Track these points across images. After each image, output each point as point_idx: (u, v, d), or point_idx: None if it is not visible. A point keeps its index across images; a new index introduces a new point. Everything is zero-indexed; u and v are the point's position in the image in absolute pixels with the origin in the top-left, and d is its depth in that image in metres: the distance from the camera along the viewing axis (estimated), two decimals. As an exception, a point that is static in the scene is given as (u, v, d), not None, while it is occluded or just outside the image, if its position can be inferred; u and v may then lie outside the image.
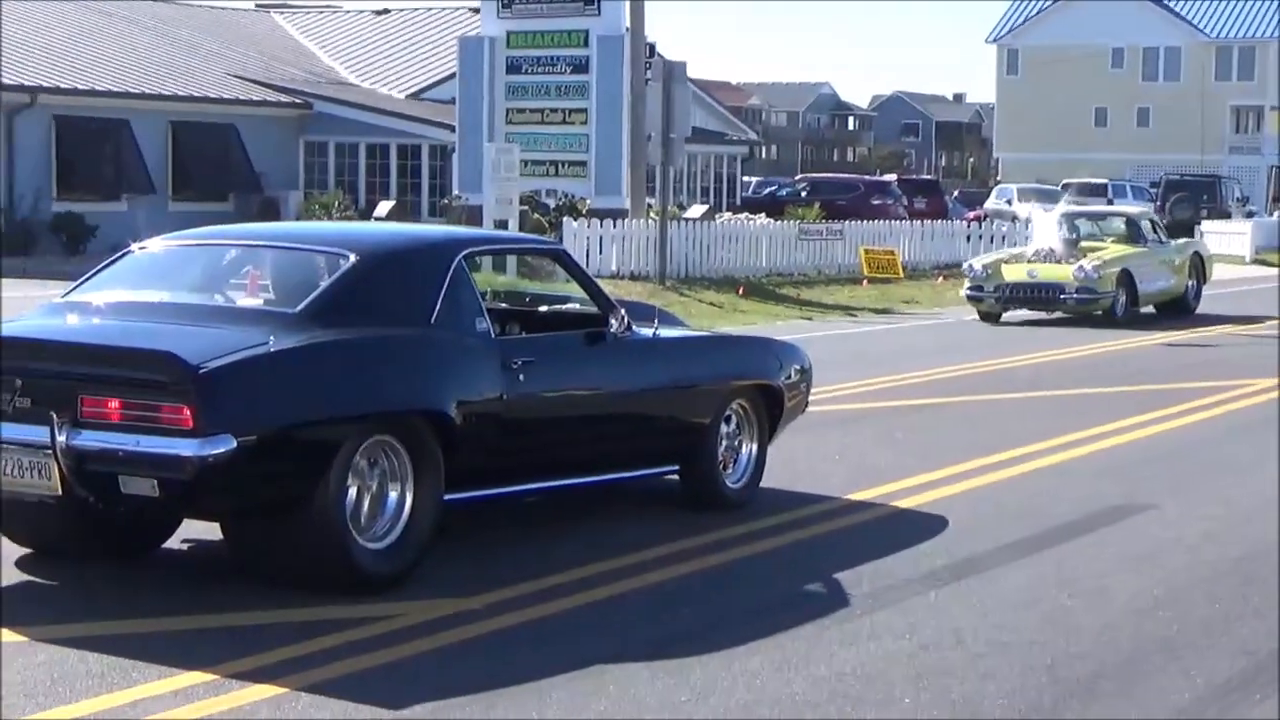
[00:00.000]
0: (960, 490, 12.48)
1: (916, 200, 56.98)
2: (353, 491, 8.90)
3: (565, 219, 33.38)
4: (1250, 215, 60.21)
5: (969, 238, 40.86)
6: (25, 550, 9.77)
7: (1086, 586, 9.60)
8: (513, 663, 7.90)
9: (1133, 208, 36.00)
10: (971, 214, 54.90)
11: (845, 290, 33.80)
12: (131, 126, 42.25)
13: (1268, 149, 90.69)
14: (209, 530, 9.78)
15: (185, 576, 9.54)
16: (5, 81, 39.95)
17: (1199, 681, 7.86)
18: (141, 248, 10.33)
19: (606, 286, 11.81)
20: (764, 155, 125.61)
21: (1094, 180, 66.92)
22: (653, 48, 38.98)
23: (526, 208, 34.15)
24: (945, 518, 11.42)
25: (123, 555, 9.71)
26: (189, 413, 8.19)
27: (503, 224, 30.51)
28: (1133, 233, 29.70)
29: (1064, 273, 27.38)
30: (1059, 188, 63.95)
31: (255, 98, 45.94)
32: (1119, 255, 28.30)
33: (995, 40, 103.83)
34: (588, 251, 31.69)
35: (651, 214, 33.78)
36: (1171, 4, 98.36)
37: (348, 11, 57.10)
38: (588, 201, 35.53)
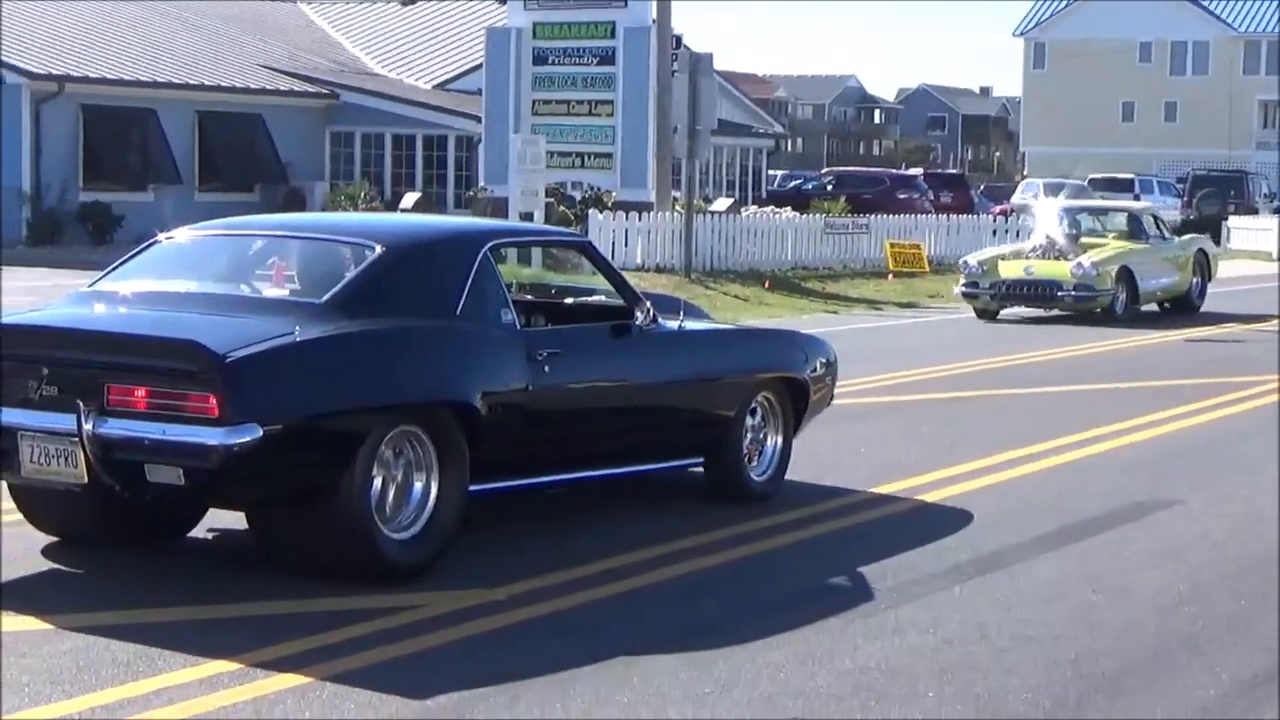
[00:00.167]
0: (985, 484, 12.47)
1: (942, 194, 56.88)
2: (378, 482, 8.92)
3: (591, 211, 33.37)
4: (1278, 211, 59.98)
5: (995, 232, 40.78)
6: (52, 538, 9.81)
7: (1111, 582, 9.59)
8: (536, 654, 7.90)
9: (1135, 203, 35.20)
10: (998, 208, 54.79)
11: (871, 284, 33.76)
12: (158, 116, 42.34)
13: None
14: (234, 519, 9.81)
15: (210, 565, 9.57)
16: (33, 71, 40.06)
17: (1224, 677, 7.85)
18: (168, 238, 10.37)
19: (631, 279, 11.81)
20: (790, 148, 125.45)
21: (1120, 175, 66.77)
22: (679, 40, 38.97)
23: (552, 200, 34.15)
24: (970, 512, 11.40)
25: (148, 544, 9.74)
26: (215, 402, 8.22)
27: (528, 216, 30.54)
28: (1134, 229, 29.05)
29: (1062, 269, 26.78)
30: (1085, 182, 63.80)
31: (282, 88, 46.00)
32: (1119, 252, 27.67)
33: (1022, 34, 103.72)
34: (613, 244, 31.69)
35: (677, 207, 33.75)
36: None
37: (375, 2, 57.12)
38: (613, 194, 35.52)
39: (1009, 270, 27.01)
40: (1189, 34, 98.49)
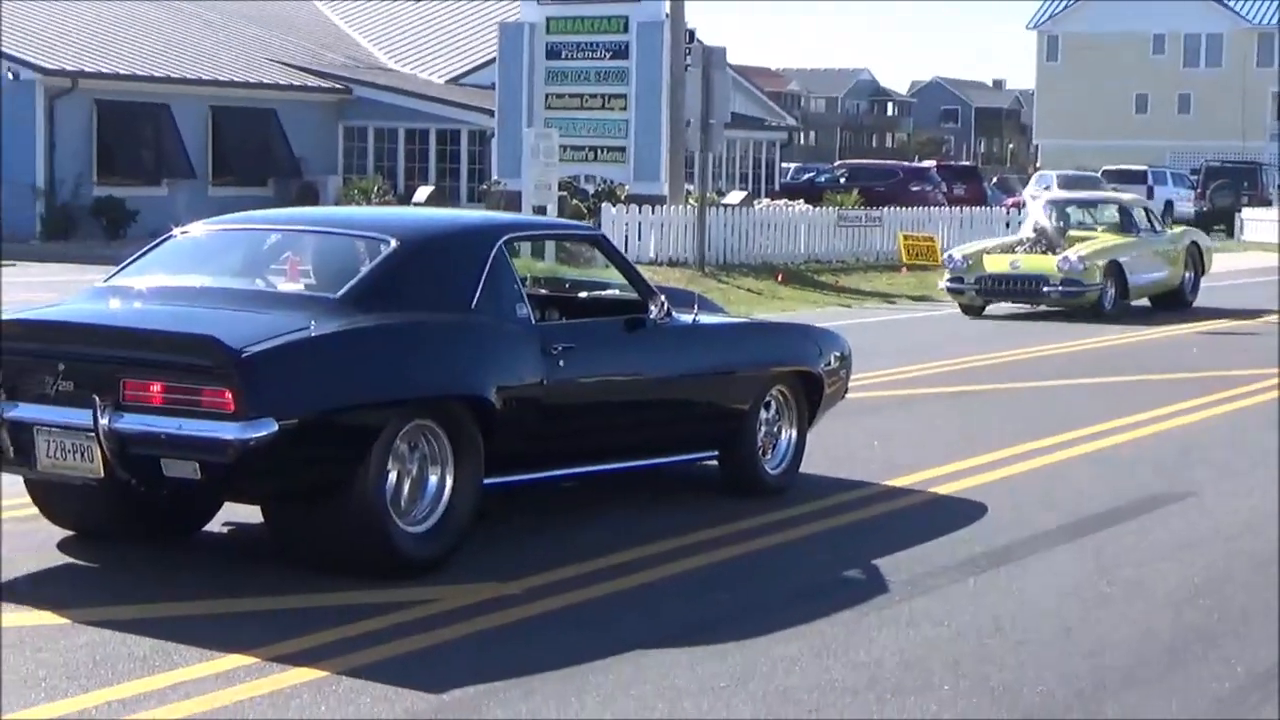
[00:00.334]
0: (998, 478, 12.47)
1: (956, 187, 56.79)
2: (393, 475, 8.93)
3: (604, 205, 33.37)
4: (1292, 203, 59.89)
5: (1008, 224, 40.70)
6: (67, 533, 9.83)
7: (1125, 575, 9.59)
8: (551, 648, 7.91)
9: (1125, 195, 34.28)
10: (1011, 200, 54.71)
11: (884, 277, 33.73)
12: (172, 111, 42.39)
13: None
14: (249, 514, 9.82)
15: (226, 560, 9.58)
16: (47, 66, 40.12)
17: (1239, 670, 7.85)
18: (183, 232, 10.39)
19: (645, 273, 11.82)
20: (802, 141, 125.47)
21: (1134, 167, 66.65)
22: (692, 33, 38.95)
23: (565, 193, 34.14)
24: (984, 505, 11.41)
25: (164, 538, 9.76)
26: (231, 396, 8.23)
27: (541, 209, 30.52)
28: (1125, 222, 28.15)
29: (1048, 264, 25.98)
30: (1098, 174, 63.70)
31: (295, 83, 46.03)
32: (1107, 246, 26.85)
33: (1036, 26, 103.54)
34: (626, 237, 31.67)
35: (690, 200, 33.74)
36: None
37: (388, -2, 57.20)
38: (626, 187, 35.51)
39: (994, 265, 26.28)
40: (1202, 26, 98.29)
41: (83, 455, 8.56)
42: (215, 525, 10.04)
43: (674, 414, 11.04)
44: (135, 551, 9.54)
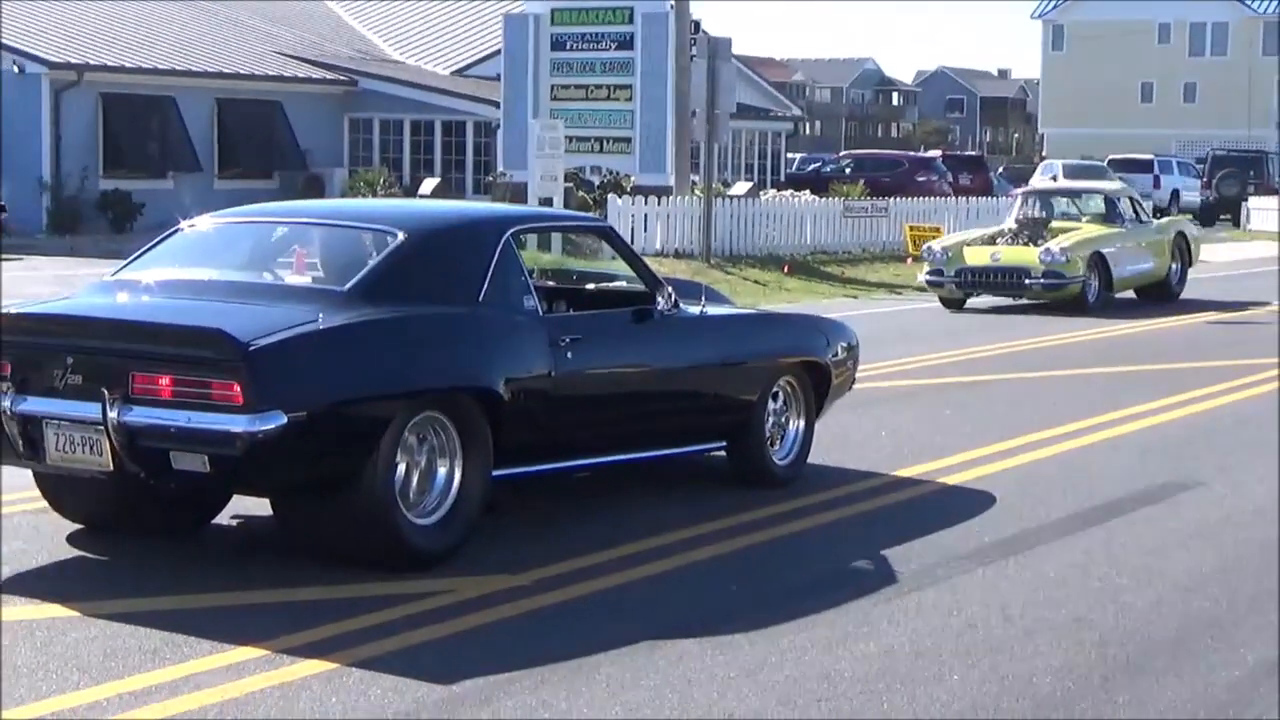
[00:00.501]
0: (1007, 467, 12.48)
1: (961, 176, 56.76)
2: (402, 467, 8.93)
3: (610, 196, 33.36)
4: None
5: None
6: (77, 525, 9.84)
7: (1134, 564, 9.59)
8: (562, 639, 7.92)
9: (1110, 184, 33.69)
10: (1017, 190, 54.61)
11: (890, 268, 33.72)
12: (177, 104, 42.39)
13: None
14: (259, 506, 9.84)
15: (235, 552, 9.60)
16: (52, 60, 40.12)
17: (1249, 659, 7.85)
18: (191, 225, 10.39)
19: (651, 264, 11.82)
20: (808, 131, 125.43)
21: (1140, 156, 66.59)
22: (697, 24, 38.91)
23: (571, 184, 34.15)
24: (992, 494, 11.41)
25: (173, 531, 9.77)
26: (239, 389, 8.24)
27: (547, 201, 30.53)
28: (1110, 212, 27.53)
29: (1030, 255, 25.36)
30: (1104, 163, 63.65)
31: (300, 75, 46.03)
32: (1090, 237, 26.22)
33: (1041, 16, 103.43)
34: (632, 229, 31.67)
35: (696, 191, 33.74)
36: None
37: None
38: (632, 178, 35.51)
39: (974, 256, 25.73)
40: (1208, 15, 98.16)
41: (92, 448, 8.56)
42: (224, 518, 10.06)
43: (682, 405, 11.04)
44: (144, 544, 9.56)
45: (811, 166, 60.92)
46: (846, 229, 36.66)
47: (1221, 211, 58.91)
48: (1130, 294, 27.47)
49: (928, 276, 26.30)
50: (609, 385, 10.42)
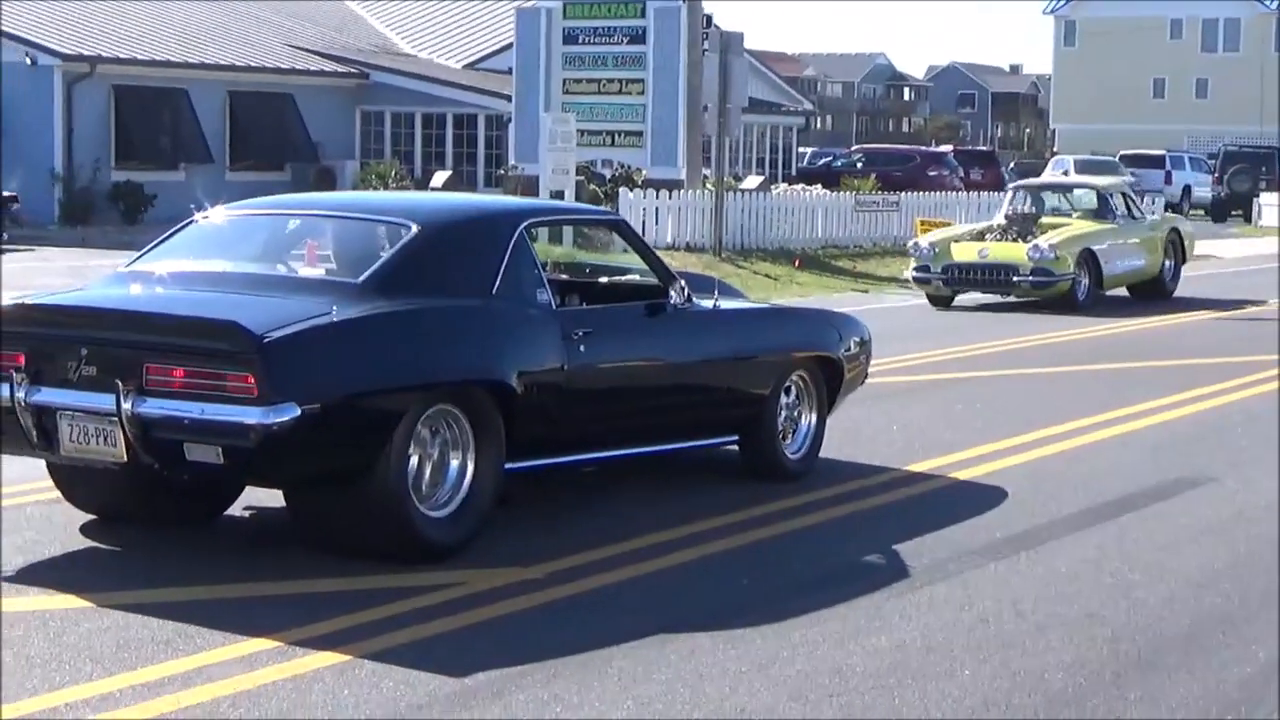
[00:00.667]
0: (1018, 462, 12.47)
1: (973, 171, 56.75)
2: (414, 460, 8.94)
3: (621, 189, 33.36)
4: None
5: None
6: (90, 516, 9.86)
7: (1146, 559, 9.59)
8: (574, 632, 7.92)
9: (1102, 179, 32.97)
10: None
11: (901, 262, 33.59)
12: (189, 96, 42.43)
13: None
14: (271, 497, 9.85)
15: (248, 544, 9.61)
16: (65, 51, 40.16)
17: (1260, 655, 7.84)
18: (205, 217, 10.40)
19: (662, 258, 11.81)
20: (819, 126, 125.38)
21: (1152, 152, 66.52)
22: (709, 18, 38.92)
23: (582, 178, 34.13)
24: (1004, 489, 11.41)
25: (186, 522, 9.78)
26: (253, 381, 8.25)
27: (558, 194, 30.52)
28: (1102, 208, 26.97)
29: (1018, 252, 24.81)
30: (1116, 159, 63.59)
31: (312, 67, 46.05)
32: (1080, 233, 25.62)
33: (1053, 11, 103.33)
34: (643, 222, 31.66)
35: (707, 185, 33.73)
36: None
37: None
38: (644, 172, 35.50)
39: (962, 253, 25.19)
40: (1220, 10, 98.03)
41: (106, 440, 8.58)
42: (236, 509, 10.07)
43: (694, 399, 11.04)
44: (158, 535, 9.57)
45: (823, 161, 60.93)
46: (858, 223, 36.64)
47: (1233, 207, 58.85)
48: (1123, 291, 27.14)
49: (914, 273, 25.82)
50: (622, 379, 10.42)
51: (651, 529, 9.97)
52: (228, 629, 7.79)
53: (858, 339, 12.37)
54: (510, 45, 39.86)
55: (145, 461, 8.59)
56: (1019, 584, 8.99)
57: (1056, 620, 8.30)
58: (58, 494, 9.96)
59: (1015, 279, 24.84)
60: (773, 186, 41.72)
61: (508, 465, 9.42)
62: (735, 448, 11.54)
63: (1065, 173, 56.47)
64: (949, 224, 33.24)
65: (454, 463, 9.21)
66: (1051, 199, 28.05)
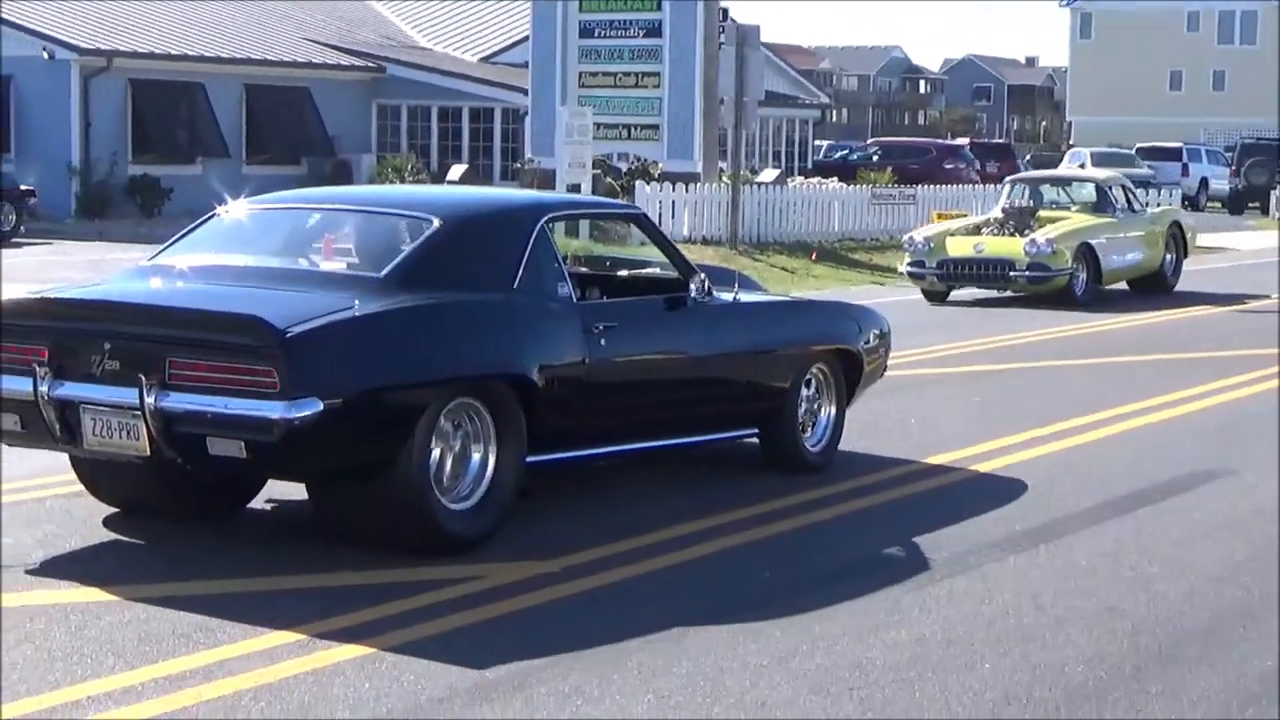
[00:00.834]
0: (1037, 455, 12.47)
1: (989, 164, 56.71)
2: (436, 453, 8.96)
3: (638, 183, 33.37)
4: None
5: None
6: (112, 509, 9.89)
7: (1165, 553, 9.58)
8: (593, 625, 7.94)
9: (1101, 172, 32.22)
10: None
11: (918, 255, 33.57)
12: (206, 90, 42.49)
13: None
14: (292, 490, 9.87)
15: (270, 536, 9.63)
16: (81, 46, 40.22)
17: (1281, 648, 7.85)
18: (227, 211, 10.42)
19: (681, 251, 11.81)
20: (835, 119, 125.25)
21: (1168, 144, 66.44)
22: (725, 12, 38.91)
23: (598, 171, 34.15)
24: (1023, 482, 11.41)
25: (208, 515, 9.81)
26: (276, 376, 8.26)
27: (575, 187, 30.54)
28: (1101, 201, 26.52)
29: (1015, 247, 24.36)
30: (1133, 151, 63.52)
31: (329, 61, 46.08)
32: (1078, 227, 25.12)
33: (1069, 4, 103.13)
34: (659, 216, 31.65)
35: (724, 178, 33.73)
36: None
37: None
38: (660, 165, 35.51)
39: (957, 248, 24.73)
40: (1237, 3, 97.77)
41: (129, 434, 8.60)
42: (258, 502, 10.09)
43: (715, 392, 11.05)
44: (179, 528, 9.59)
45: (839, 154, 60.96)
46: (874, 216, 36.62)
47: (1250, 200, 58.75)
48: (1123, 285, 26.70)
49: (908, 268, 25.37)
50: (643, 372, 10.43)
51: (670, 522, 9.98)
52: (248, 622, 7.79)
53: (877, 331, 12.38)
54: (526, 39, 39.92)
55: (168, 456, 8.61)
56: (1038, 577, 8.99)
57: (1076, 614, 8.30)
58: (78, 488, 9.99)
59: (1011, 274, 24.42)
60: (789, 179, 41.71)
61: (529, 458, 9.44)
62: (753, 441, 11.55)
63: (1082, 165, 56.37)
64: (965, 215, 33.17)
65: (475, 456, 9.23)
66: (1050, 192, 27.62)
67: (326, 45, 47.23)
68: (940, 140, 71.43)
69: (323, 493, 9.17)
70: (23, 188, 34.69)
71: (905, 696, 7.08)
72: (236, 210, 10.44)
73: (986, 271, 24.64)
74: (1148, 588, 8.81)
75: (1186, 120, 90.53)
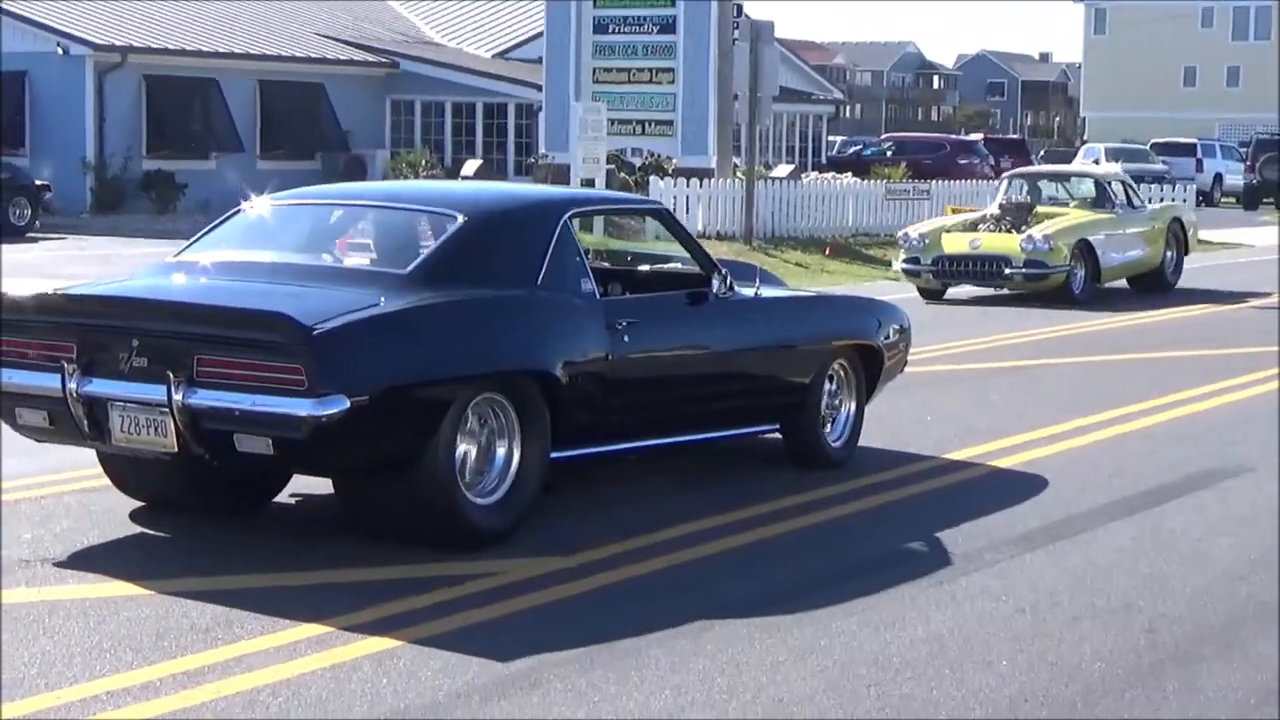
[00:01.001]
0: (1055, 451, 12.48)
1: (1003, 160, 56.63)
2: (462, 449, 8.99)
3: (652, 178, 33.37)
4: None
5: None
6: (138, 503, 9.92)
7: (1183, 549, 9.60)
8: (612, 621, 7.94)
9: (1100, 168, 31.54)
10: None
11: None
12: (220, 85, 42.54)
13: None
14: (316, 485, 9.90)
15: (293, 531, 9.65)
16: (96, 41, 40.27)
17: (1298, 645, 7.85)
18: (251, 207, 10.44)
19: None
20: (849, 115, 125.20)
21: (1183, 140, 66.37)
22: (739, 7, 38.87)
23: (613, 166, 34.15)
24: (1042, 478, 11.42)
25: (234, 510, 9.84)
26: (303, 373, 8.29)
27: (589, 183, 30.56)
28: (1100, 197, 26.18)
29: (1011, 243, 23.91)
30: (1147, 147, 63.45)
31: (343, 57, 46.13)
32: (1076, 223, 24.66)
33: (1083, 0, 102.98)
34: (674, 211, 31.62)
35: (738, 173, 33.73)
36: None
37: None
38: (674, 160, 35.51)
39: (953, 244, 24.24)
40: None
41: (156, 430, 8.64)
42: (283, 496, 10.12)
43: (737, 387, 11.07)
44: (204, 522, 9.62)
45: (853, 149, 60.93)
46: (888, 211, 36.59)
47: (1265, 195, 58.66)
48: (1123, 283, 26.35)
49: (903, 265, 24.89)
50: (665, 368, 10.45)
51: (688, 518, 10.00)
52: (268, 617, 7.81)
53: (897, 327, 12.40)
54: (540, 34, 39.89)
55: (195, 452, 8.65)
56: (1056, 574, 9.00)
57: (1093, 611, 8.31)
58: (96, 483, 10.04)
59: (1008, 271, 23.96)
60: (803, 175, 41.70)
61: (553, 454, 9.46)
62: (771, 436, 11.57)
63: (1096, 161, 56.33)
64: (978, 210, 33.08)
65: (500, 451, 9.26)
66: (1048, 188, 27.26)
67: (340, 41, 47.28)
68: (954, 136, 71.29)
69: (349, 488, 9.21)
70: (38, 183, 34.78)
71: (922, 693, 7.09)
72: (260, 206, 10.46)
73: (982, 269, 24.19)
74: (1165, 585, 8.82)
75: (1201, 116, 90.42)
